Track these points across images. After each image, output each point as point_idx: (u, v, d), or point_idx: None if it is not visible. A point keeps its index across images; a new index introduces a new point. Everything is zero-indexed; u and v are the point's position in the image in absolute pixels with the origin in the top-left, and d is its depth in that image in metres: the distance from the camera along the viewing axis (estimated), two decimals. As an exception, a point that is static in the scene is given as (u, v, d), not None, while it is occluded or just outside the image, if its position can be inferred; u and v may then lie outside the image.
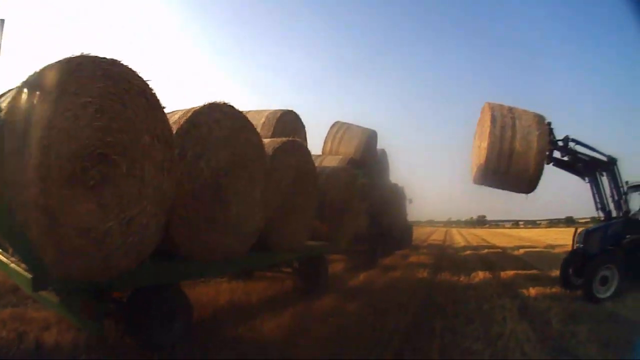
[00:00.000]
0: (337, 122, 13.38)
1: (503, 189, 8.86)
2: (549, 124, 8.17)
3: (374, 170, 13.94)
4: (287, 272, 7.99)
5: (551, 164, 8.26)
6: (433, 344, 5.25)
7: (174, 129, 4.09)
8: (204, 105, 4.45)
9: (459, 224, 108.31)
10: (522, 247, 21.84)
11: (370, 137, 13.43)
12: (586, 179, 8.29)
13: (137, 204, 3.60)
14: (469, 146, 9.63)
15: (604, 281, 7.86)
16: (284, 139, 6.23)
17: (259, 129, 7.34)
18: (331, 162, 11.47)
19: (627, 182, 8.51)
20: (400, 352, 4.87)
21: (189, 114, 4.29)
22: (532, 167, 7.77)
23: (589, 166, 8.23)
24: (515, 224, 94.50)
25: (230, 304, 6.59)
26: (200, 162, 4.32)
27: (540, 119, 8.15)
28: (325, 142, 13.03)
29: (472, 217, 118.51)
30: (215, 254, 4.61)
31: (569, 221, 65.03)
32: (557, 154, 8.32)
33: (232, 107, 4.74)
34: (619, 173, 8.27)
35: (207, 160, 4.40)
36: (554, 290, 8.57)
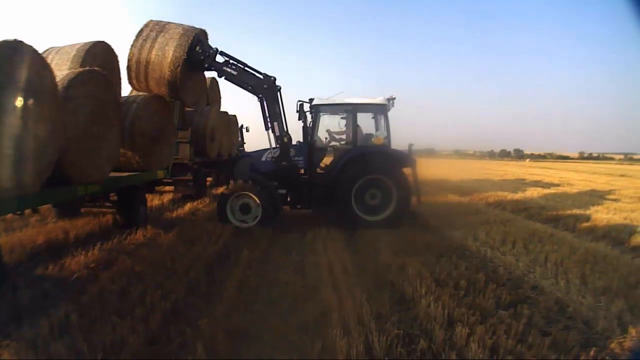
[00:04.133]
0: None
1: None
2: (195, 37, 8.22)
3: (200, 98, 13.91)
4: (108, 207, 7.94)
5: (222, 78, 8.62)
6: (233, 273, 5.26)
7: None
8: None
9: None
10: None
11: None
12: (260, 95, 8.55)
13: None
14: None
15: (246, 209, 8.14)
16: (80, 69, 6.07)
17: (68, 63, 7.06)
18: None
19: (299, 102, 8.90)
20: (197, 281, 4.91)
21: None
22: (166, 75, 7.99)
23: (248, 82, 8.50)
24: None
25: (47, 244, 6.55)
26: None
27: (187, 32, 8.21)
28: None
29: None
30: (6, 190, 4.61)
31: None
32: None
33: (23, 42, 4.59)
34: (280, 96, 8.53)
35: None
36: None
